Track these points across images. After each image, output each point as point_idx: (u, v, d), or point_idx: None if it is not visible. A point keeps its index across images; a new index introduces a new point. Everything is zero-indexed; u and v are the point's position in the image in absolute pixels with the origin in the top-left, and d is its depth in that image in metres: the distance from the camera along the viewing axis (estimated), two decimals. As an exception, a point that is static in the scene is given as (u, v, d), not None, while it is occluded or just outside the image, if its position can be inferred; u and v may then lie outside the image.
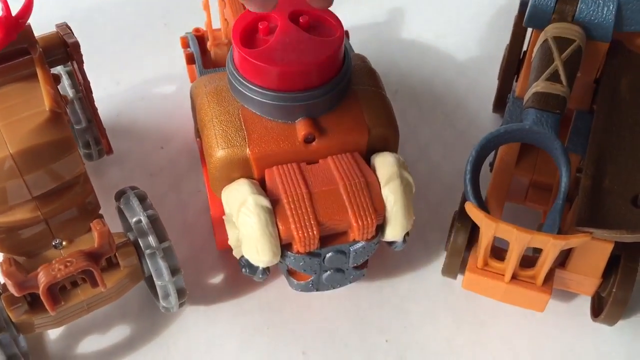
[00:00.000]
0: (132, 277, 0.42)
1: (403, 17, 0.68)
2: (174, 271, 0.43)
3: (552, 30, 0.44)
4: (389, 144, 0.45)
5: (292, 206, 0.41)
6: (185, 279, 0.44)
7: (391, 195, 0.41)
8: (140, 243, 0.42)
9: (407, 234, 0.44)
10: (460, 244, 0.44)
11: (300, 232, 0.40)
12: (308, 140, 0.43)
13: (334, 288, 0.45)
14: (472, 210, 0.40)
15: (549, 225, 0.42)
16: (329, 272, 0.43)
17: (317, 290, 0.44)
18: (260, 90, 0.42)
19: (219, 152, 0.42)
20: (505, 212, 0.46)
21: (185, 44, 0.55)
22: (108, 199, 0.46)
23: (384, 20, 0.68)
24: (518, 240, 0.40)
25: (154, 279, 0.43)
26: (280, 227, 0.40)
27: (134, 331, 0.47)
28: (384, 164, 0.43)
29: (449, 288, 0.49)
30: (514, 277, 0.44)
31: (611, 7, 0.43)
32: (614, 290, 0.43)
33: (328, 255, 0.42)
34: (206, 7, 0.53)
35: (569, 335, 0.47)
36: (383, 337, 0.47)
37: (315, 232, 0.40)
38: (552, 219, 0.42)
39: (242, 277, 0.46)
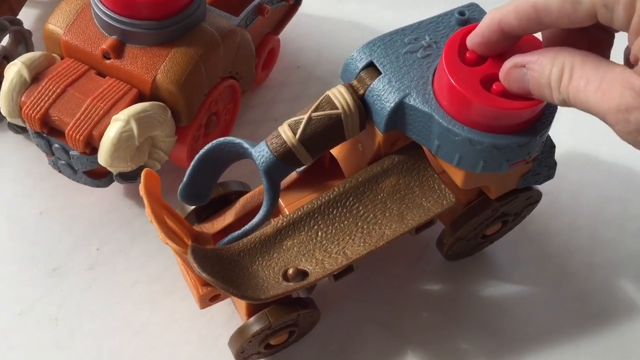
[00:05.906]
0: None
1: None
2: None
3: (334, 89, 0.43)
4: (176, 103, 0.48)
5: (42, 90, 0.47)
6: None
7: (109, 130, 0.46)
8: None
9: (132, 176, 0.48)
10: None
11: (27, 109, 0.47)
12: (105, 56, 0.48)
13: (71, 179, 0.50)
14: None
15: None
16: (62, 162, 0.49)
17: (60, 171, 0.50)
18: None
19: (48, 25, 0.49)
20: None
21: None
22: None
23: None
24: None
25: None
26: (22, 98, 0.47)
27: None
28: (132, 107, 0.46)
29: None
30: None
31: (390, 104, 0.41)
32: None
33: (55, 145, 0.48)
34: None
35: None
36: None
37: (36, 116, 0.46)
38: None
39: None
